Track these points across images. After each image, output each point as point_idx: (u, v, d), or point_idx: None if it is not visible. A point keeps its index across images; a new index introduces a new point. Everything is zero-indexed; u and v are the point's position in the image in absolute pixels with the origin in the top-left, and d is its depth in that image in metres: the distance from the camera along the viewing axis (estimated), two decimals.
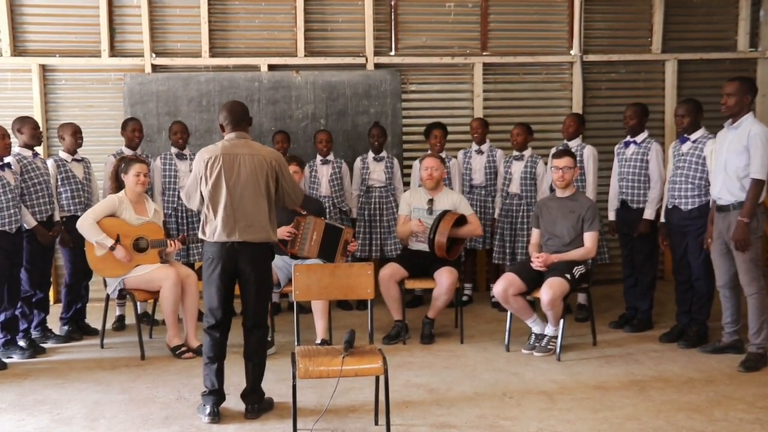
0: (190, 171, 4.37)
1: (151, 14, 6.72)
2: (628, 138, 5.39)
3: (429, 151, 6.14)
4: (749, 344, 4.55)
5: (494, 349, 5.00)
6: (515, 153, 6.09)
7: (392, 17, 6.98)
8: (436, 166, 5.33)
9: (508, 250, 6.04)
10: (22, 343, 5.04)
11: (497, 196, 6.20)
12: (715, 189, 4.62)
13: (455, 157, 6.39)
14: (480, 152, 6.29)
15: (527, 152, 6.06)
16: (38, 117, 6.47)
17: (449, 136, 6.45)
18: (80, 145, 5.49)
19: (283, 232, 4.89)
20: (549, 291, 4.65)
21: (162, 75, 6.65)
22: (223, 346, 3.84)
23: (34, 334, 5.25)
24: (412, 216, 5.37)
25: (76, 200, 5.39)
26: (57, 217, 5.26)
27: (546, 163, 6.02)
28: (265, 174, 3.72)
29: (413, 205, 5.40)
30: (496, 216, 6.18)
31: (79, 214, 5.16)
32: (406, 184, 6.50)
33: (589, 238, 4.90)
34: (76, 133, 5.46)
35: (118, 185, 5.10)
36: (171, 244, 4.98)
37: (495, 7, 7.05)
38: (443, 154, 6.09)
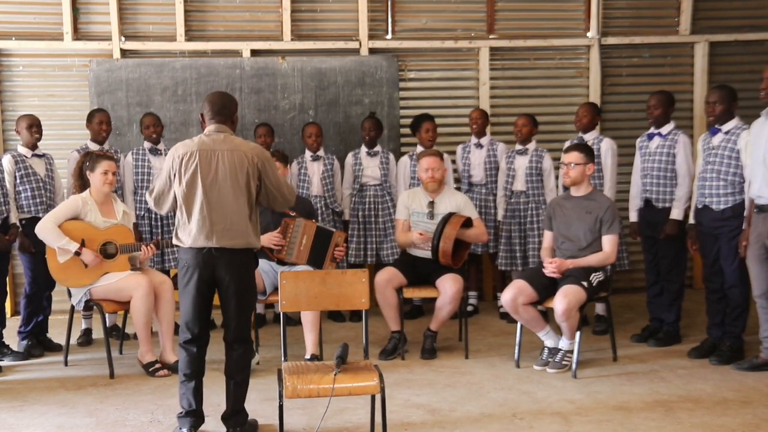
0: None
1: None
2: (652, 130, 5.41)
3: (418, 147, 6.16)
4: None
5: (503, 365, 5.02)
6: (518, 147, 6.12)
7: None
8: (437, 166, 5.34)
9: (518, 254, 6.07)
10: None
11: (500, 195, 6.22)
12: (753, 186, 4.64)
13: (449, 152, 6.39)
14: (479, 146, 6.32)
15: (531, 145, 6.08)
16: None
17: (452, 130, 6.48)
18: (38, 140, 5.47)
19: (269, 240, 4.91)
20: (564, 300, 4.67)
21: (132, 61, 6.67)
22: (202, 362, 3.85)
23: None
24: (411, 220, 5.40)
25: (37, 200, 5.39)
26: (14, 219, 5.27)
27: (553, 158, 6.06)
28: (246, 172, 3.72)
29: (412, 208, 5.41)
30: (500, 218, 6.20)
31: (40, 215, 5.17)
32: None
33: (609, 241, 4.93)
34: (32, 126, 5.41)
35: (82, 184, 5.10)
36: (143, 249, 4.99)
37: None
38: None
